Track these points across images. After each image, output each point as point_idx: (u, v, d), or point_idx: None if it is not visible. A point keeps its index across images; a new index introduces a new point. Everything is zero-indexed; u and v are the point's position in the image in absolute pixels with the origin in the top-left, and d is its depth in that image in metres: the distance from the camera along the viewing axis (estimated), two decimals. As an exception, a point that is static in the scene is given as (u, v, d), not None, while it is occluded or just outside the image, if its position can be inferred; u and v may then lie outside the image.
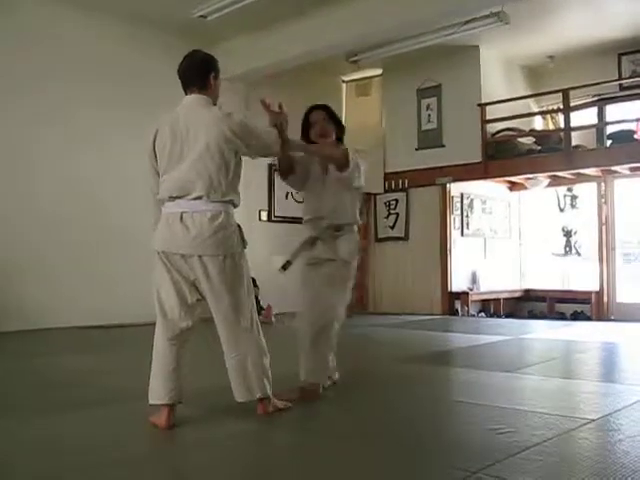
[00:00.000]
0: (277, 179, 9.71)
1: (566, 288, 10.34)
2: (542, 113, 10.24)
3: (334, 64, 9.60)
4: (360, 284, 8.85)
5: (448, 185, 9.62)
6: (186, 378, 3.12)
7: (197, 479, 2.46)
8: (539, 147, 9.21)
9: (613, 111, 9.25)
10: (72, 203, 7.65)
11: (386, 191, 10.28)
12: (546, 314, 10.05)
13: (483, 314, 9.96)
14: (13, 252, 7.09)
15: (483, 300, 10.14)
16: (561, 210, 10.63)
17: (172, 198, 3.06)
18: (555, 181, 9.82)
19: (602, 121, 9.29)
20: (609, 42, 9.03)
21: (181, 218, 3.02)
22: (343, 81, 11.09)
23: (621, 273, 9.73)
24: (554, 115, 10.08)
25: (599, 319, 9.32)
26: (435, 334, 7.27)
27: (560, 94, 8.94)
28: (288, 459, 2.66)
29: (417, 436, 2.95)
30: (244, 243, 3.18)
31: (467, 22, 7.95)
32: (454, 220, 9.82)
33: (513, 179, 10.11)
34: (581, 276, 10.20)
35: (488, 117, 9.25)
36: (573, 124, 8.90)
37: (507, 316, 9.97)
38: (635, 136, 8.65)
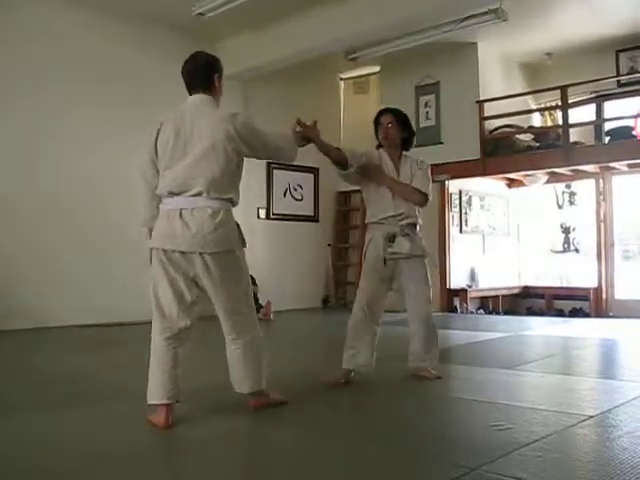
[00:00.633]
0: (276, 177, 9.88)
1: (565, 285, 10.36)
2: (540, 110, 10.23)
3: (332, 62, 9.60)
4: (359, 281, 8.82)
5: (446, 182, 9.62)
6: (182, 376, 3.12)
7: (196, 477, 2.47)
8: (537, 144, 9.21)
9: (611, 108, 9.25)
10: (73, 202, 7.66)
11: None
12: (545, 311, 10.06)
13: (482, 311, 9.97)
14: (14, 251, 7.09)
15: (482, 297, 10.15)
16: (559, 207, 10.63)
17: (171, 194, 3.06)
18: (553, 178, 9.82)
19: (600, 118, 9.29)
20: (607, 39, 9.02)
21: (180, 215, 3.01)
22: (341, 78, 11.09)
23: (620, 270, 9.74)
24: (552, 112, 10.09)
25: (598, 316, 9.33)
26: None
27: (558, 91, 8.93)
28: (287, 457, 2.66)
29: (416, 432, 2.95)
30: (243, 242, 3.19)
31: (465, 19, 7.94)
32: (452, 217, 9.82)
33: (511, 176, 10.11)
34: (580, 273, 10.21)
35: (486, 114, 9.24)
36: (571, 121, 8.90)
37: (506, 313, 9.98)
38: (633, 132, 8.65)
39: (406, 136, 4.20)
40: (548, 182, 9.97)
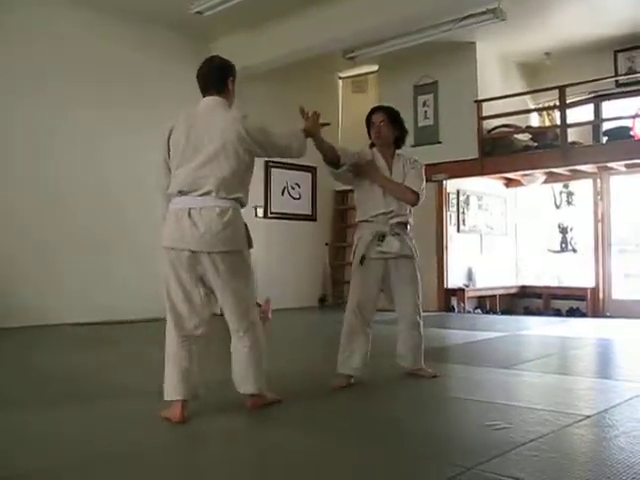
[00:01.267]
0: (274, 175, 9.88)
1: (562, 285, 10.36)
2: (538, 110, 10.24)
3: (330, 60, 9.59)
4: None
5: (444, 182, 9.62)
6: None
7: (196, 476, 2.46)
8: (535, 144, 9.21)
9: (609, 108, 9.27)
10: (73, 201, 7.67)
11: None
12: (542, 310, 10.07)
13: (479, 310, 9.98)
14: (14, 249, 7.09)
15: (479, 296, 10.15)
16: (557, 207, 10.64)
17: (181, 193, 3.10)
18: (551, 178, 9.83)
19: (598, 118, 9.30)
20: (605, 39, 9.04)
21: (189, 214, 3.05)
22: (339, 77, 11.09)
23: (617, 270, 9.76)
24: (550, 112, 10.10)
25: (595, 316, 9.34)
26: (431, 330, 7.25)
27: (556, 91, 8.94)
28: (283, 457, 2.65)
29: (413, 432, 2.95)
30: (250, 243, 3.23)
31: (464, 18, 7.94)
32: (450, 216, 9.83)
33: (509, 176, 10.12)
34: (577, 273, 10.21)
35: (484, 114, 9.25)
36: (569, 121, 8.90)
37: (503, 312, 9.99)
38: (631, 133, 8.66)
39: (398, 134, 4.17)
40: (546, 182, 9.98)
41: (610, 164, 9.00)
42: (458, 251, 9.82)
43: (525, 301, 10.63)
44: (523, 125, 9.67)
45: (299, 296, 9.92)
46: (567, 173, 9.59)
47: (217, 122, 3.14)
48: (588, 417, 3.11)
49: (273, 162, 9.45)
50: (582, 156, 8.81)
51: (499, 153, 9.24)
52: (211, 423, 3.10)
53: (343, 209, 10.93)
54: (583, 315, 9.50)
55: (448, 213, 9.78)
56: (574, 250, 10.43)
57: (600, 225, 9.78)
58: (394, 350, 4.22)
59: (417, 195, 4.05)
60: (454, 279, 9.72)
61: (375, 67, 10.47)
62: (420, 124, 9.78)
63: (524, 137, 9.41)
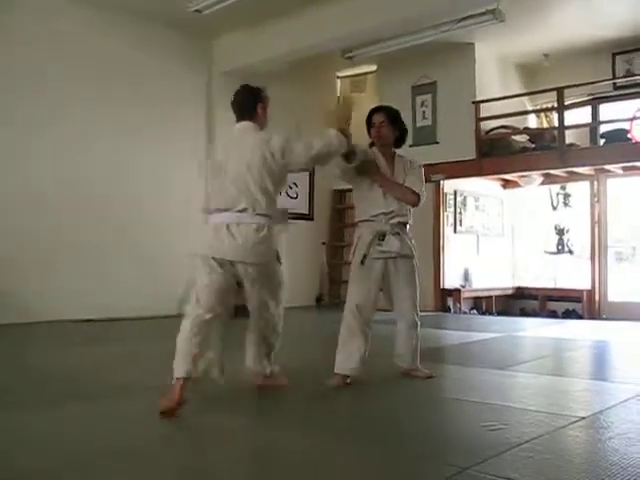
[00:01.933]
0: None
1: (558, 286, 10.38)
2: (536, 111, 10.25)
3: (329, 60, 9.57)
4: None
5: (442, 182, 9.63)
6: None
7: (195, 476, 2.46)
8: (533, 145, 9.23)
9: (607, 110, 9.28)
10: (73, 200, 7.66)
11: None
12: (538, 312, 10.08)
13: (475, 311, 9.99)
14: (11, 245, 7.07)
15: (475, 297, 10.17)
16: (554, 208, 10.66)
17: (219, 210, 3.44)
18: (548, 179, 9.84)
19: (596, 120, 9.31)
20: (604, 41, 9.05)
21: (227, 227, 3.37)
22: (338, 77, 11.07)
23: (613, 272, 9.77)
24: (548, 113, 10.11)
25: (590, 317, 9.36)
26: (427, 331, 7.24)
27: (554, 92, 8.95)
28: (279, 457, 2.65)
29: (408, 432, 2.96)
30: (279, 259, 3.60)
31: (462, 19, 7.94)
32: (447, 217, 9.83)
33: (507, 177, 10.13)
34: (573, 274, 10.23)
35: (482, 115, 9.25)
36: (567, 123, 8.92)
37: (499, 313, 10.01)
38: (628, 135, 8.67)
39: (399, 135, 4.18)
40: (543, 183, 10.00)
41: (607, 166, 9.01)
42: (455, 252, 9.83)
43: (521, 302, 10.64)
44: (521, 126, 9.68)
45: (295, 295, 9.86)
46: (564, 175, 9.60)
47: (247, 145, 3.45)
48: (583, 418, 3.11)
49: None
50: (579, 158, 8.82)
51: (497, 154, 9.24)
52: (211, 422, 3.10)
53: (341, 208, 10.93)
54: (579, 317, 9.52)
55: (445, 214, 9.79)
56: (570, 252, 10.45)
57: (597, 227, 9.80)
58: (390, 350, 4.22)
59: (418, 196, 4.07)
60: (450, 279, 9.73)
61: (374, 67, 10.45)
62: (418, 124, 9.78)
63: (522, 138, 9.42)
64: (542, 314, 9.91)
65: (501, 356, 5.44)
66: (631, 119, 8.64)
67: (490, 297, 10.31)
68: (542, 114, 10.28)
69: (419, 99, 9.88)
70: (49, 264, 7.34)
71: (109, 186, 7.96)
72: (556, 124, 9.17)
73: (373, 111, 4.20)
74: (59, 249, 7.45)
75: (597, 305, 9.64)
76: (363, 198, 4.10)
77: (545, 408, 3.37)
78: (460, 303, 9.54)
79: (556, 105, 9.09)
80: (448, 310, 9.53)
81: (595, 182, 9.78)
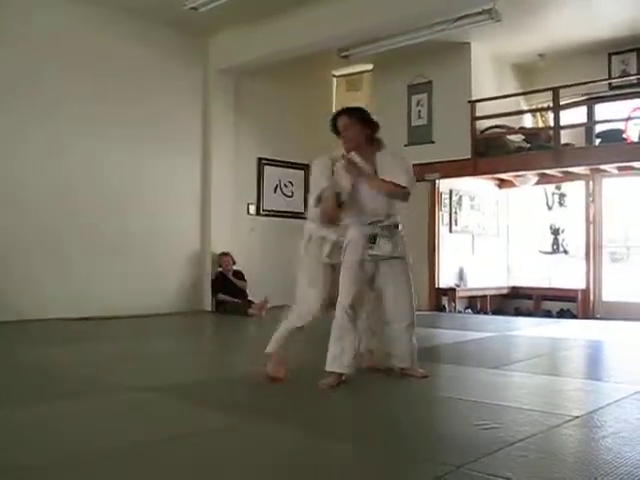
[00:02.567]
0: (266, 172, 9.85)
1: (553, 286, 10.39)
2: (532, 111, 10.26)
3: (325, 58, 9.57)
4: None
5: (437, 181, 9.63)
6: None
7: (195, 475, 2.45)
8: (528, 145, 9.23)
9: (602, 110, 9.29)
10: (72, 199, 7.68)
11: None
12: (532, 311, 10.10)
13: (470, 310, 10.00)
14: (1, 244, 7.05)
15: (470, 297, 10.18)
16: (549, 208, 10.67)
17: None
18: (544, 179, 9.85)
19: (591, 120, 9.33)
20: (600, 41, 9.05)
21: None
22: (333, 75, 11.06)
23: (607, 272, 9.79)
24: (544, 113, 10.12)
25: (585, 317, 9.38)
26: (421, 330, 7.25)
27: (550, 92, 8.96)
28: (274, 457, 2.65)
29: (402, 431, 2.96)
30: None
31: (458, 19, 7.93)
32: (442, 216, 9.83)
33: (502, 176, 10.13)
34: (568, 274, 10.25)
35: (478, 114, 9.26)
36: (562, 122, 8.93)
37: (494, 313, 10.02)
38: (623, 135, 8.69)
39: (369, 132, 4.02)
40: (538, 183, 10.00)
41: (602, 166, 9.02)
42: (450, 251, 9.84)
43: (516, 302, 10.65)
44: (516, 126, 9.69)
45: (292, 294, 9.87)
46: (559, 175, 9.61)
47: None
48: (577, 418, 3.12)
49: (266, 159, 9.40)
50: (574, 158, 8.84)
51: (492, 154, 9.24)
52: (210, 422, 3.10)
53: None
54: (573, 316, 9.54)
55: (440, 213, 9.79)
56: (565, 252, 10.46)
57: (591, 227, 9.81)
58: (385, 349, 4.22)
59: (406, 189, 3.95)
60: (445, 279, 9.73)
61: (369, 66, 10.45)
62: (414, 123, 9.77)
63: (517, 138, 9.42)
64: (537, 314, 9.92)
65: (495, 355, 5.45)
66: (626, 119, 8.67)
67: (485, 296, 10.32)
68: (537, 114, 10.29)
69: (415, 98, 9.88)
70: (31, 260, 7.31)
71: (104, 183, 7.94)
72: (551, 124, 9.17)
73: (335, 117, 4.04)
74: (41, 244, 7.42)
75: (592, 305, 9.66)
76: (351, 200, 4.01)
77: (539, 407, 3.37)
78: (455, 302, 9.55)
79: (552, 105, 9.09)
80: (443, 309, 9.54)
81: (590, 182, 9.79)
